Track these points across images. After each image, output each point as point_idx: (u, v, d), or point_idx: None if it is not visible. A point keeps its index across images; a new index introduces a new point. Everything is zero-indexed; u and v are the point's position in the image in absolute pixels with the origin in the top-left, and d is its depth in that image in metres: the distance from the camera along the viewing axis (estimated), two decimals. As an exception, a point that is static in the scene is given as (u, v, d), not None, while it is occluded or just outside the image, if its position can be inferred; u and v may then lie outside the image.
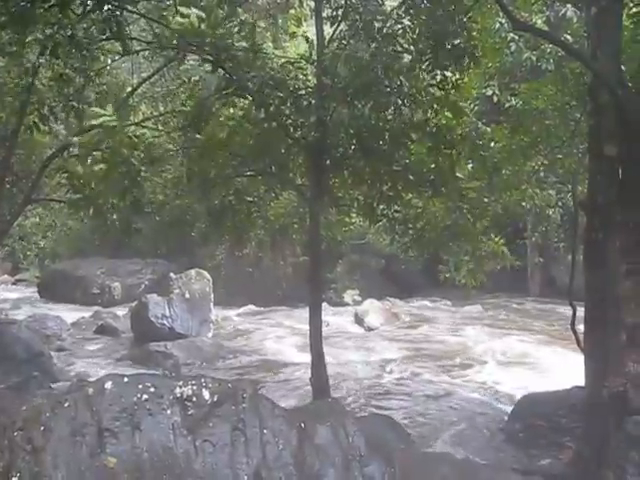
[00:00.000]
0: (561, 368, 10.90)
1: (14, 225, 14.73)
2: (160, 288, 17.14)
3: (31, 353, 11.15)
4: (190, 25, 6.09)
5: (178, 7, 6.30)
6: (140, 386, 4.96)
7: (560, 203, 16.79)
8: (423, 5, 7.10)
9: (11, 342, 11.13)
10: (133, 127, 11.07)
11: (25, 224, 22.89)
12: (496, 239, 9.10)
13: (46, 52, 5.98)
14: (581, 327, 6.70)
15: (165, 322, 15.04)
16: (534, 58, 10.74)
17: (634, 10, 7.71)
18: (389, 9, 7.84)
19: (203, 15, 6.16)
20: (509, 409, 9.01)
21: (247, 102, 7.81)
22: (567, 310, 8.39)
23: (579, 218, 8.03)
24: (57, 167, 11.48)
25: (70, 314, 17.83)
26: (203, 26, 6.16)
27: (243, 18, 6.83)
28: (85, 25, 6.94)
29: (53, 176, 13.36)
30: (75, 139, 7.26)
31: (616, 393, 6.11)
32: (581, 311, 6.71)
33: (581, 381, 6.59)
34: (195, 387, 5.08)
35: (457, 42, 7.01)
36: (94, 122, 6.56)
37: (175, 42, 6.55)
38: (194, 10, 6.13)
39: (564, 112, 9.22)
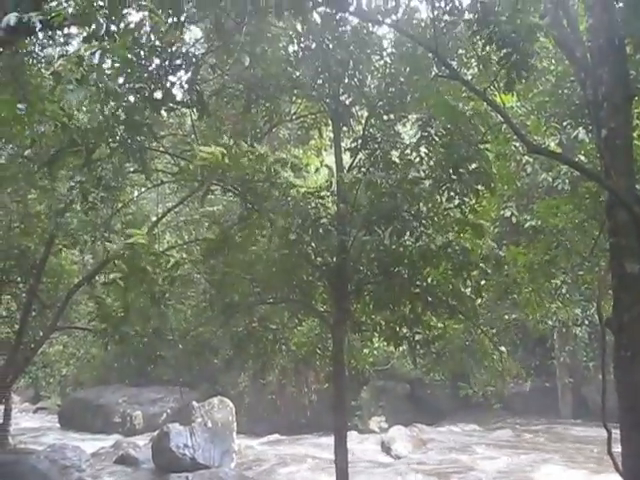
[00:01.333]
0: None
1: (38, 352, 14.78)
2: (182, 417, 16.90)
3: (49, 485, 10.91)
4: (214, 159, 6.33)
5: (200, 145, 6.57)
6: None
7: (586, 321, 16.59)
8: (439, 135, 7.34)
9: (28, 473, 10.94)
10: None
11: (49, 352, 22.95)
12: (505, 356, 8.99)
13: (75, 191, 6.27)
14: (618, 450, 6.43)
15: (187, 452, 14.72)
16: (550, 179, 10.94)
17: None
18: (406, 137, 8.12)
19: (224, 151, 6.43)
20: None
21: (269, 230, 7.97)
22: (602, 432, 8.10)
23: (606, 336, 7.90)
24: (84, 295, 11.67)
25: (90, 444, 17.55)
26: (226, 159, 6.41)
27: (263, 151, 7.09)
28: (112, 160, 7.26)
29: (79, 304, 13.55)
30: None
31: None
32: (617, 433, 6.47)
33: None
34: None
35: (473, 168, 7.18)
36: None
37: (199, 175, 6.80)
38: (215, 148, 6.40)
39: (582, 229, 9.28)
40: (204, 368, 22.34)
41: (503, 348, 9.00)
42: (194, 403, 16.73)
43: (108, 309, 7.55)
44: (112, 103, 5.97)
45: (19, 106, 7.29)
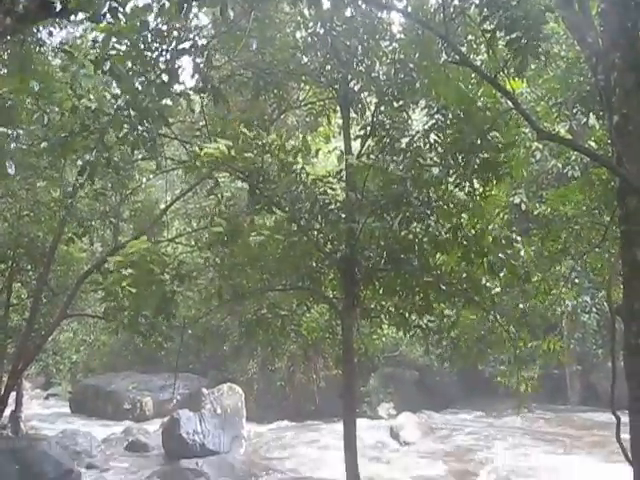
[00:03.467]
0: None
1: (48, 339, 14.87)
2: (192, 403, 16.98)
3: (60, 470, 11.02)
4: (220, 153, 6.33)
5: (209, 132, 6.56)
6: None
7: (595, 309, 16.54)
8: (449, 121, 7.29)
9: (41, 459, 11.03)
10: (166, 243, 11.37)
11: (59, 339, 23.09)
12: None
13: (84, 174, 6.24)
14: (627, 437, 6.43)
15: (196, 438, 14.82)
16: (560, 165, 10.88)
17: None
18: (415, 123, 8.07)
19: (230, 144, 6.42)
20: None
21: (278, 217, 7.96)
22: (610, 419, 8.09)
23: (616, 324, 7.87)
24: (93, 282, 11.71)
25: (101, 430, 17.69)
26: (232, 152, 6.41)
27: (269, 140, 7.07)
28: (121, 147, 7.26)
29: (88, 291, 13.61)
30: (111, 258, 7.45)
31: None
32: (626, 420, 6.46)
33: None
34: (227, 508, 4.93)
35: (483, 155, 7.14)
36: (131, 250, 6.75)
37: (207, 164, 6.79)
38: (222, 140, 6.40)
39: (593, 217, 9.22)
40: (213, 355, 22.51)
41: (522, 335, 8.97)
42: (204, 390, 16.80)
43: (117, 299, 7.56)
44: (122, 88, 5.96)
45: (32, 84, 7.26)
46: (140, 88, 5.81)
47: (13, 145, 7.70)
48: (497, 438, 16.77)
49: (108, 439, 16.78)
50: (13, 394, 14.34)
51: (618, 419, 7.52)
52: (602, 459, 13.07)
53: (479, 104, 7.07)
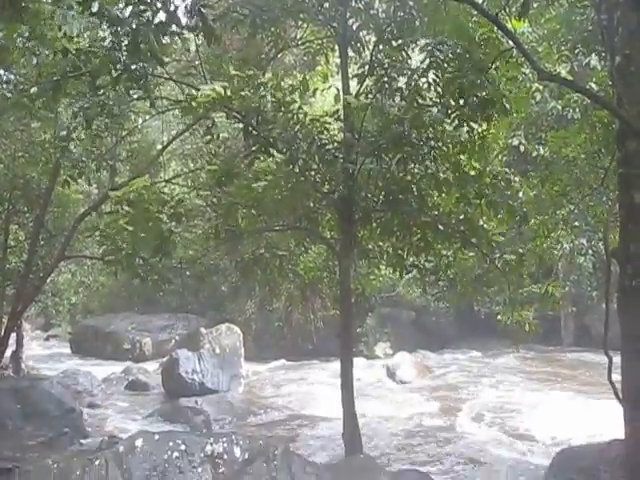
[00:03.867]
0: (600, 420, 10.60)
1: (47, 281, 14.93)
2: (191, 343, 17.15)
3: (62, 409, 11.16)
4: (217, 94, 6.24)
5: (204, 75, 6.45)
6: (171, 443, 4.94)
7: (591, 251, 16.59)
8: (448, 60, 7.17)
9: (43, 398, 11.16)
10: (163, 184, 11.32)
11: (58, 280, 23.21)
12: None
13: (79, 117, 6.17)
14: (618, 377, 6.53)
15: (195, 377, 15.02)
16: (560, 107, 10.76)
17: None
18: (414, 63, 7.95)
19: (227, 85, 6.33)
20: (546, 463, 8.76)
21: (276, 159, 7.92)
22: (603, 360, 8.21)
23: (611, 267, 7.92)
24: (91, 225, 11.70)
25: (101, 369, 17.89)
26: (228, 92, 6.32)
27: (266, 79, 6.97)
28: (116, 88, 7.15)
29: (85, 233, 13.61)
30: (111, 193, 7.41)
31: (658, 446, 5.91)
32: (618, 360, 6.55)
33: (621, 433, 6.40)
34: (226, 444, 5.04)
35: (483, 94, 7.05)
36: (130, 188, 6.72)
37: (203, 105, 6.70)
38: (218, 82, 6.31)
39: (593, 160, 9.18)
40: (212, 295, 22.67)
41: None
42: (202, 330, 16.96)
43: (115, 241, 7.57)
44: (114, 29, 5.83)
45: (22, 29, 7.13)
46: (137, 29, 5.69)
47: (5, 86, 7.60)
48: (488, 376, 17.05)
49: (108, 379, 17.01)
50: (13, 335, 14.47)
51: (610, 359, 7.64)
52: (591, 397, 13.30)
53: (478, 40, 6.94)
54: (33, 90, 6.78)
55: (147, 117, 13.27)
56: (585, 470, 7.69)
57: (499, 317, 9.74)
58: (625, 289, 6.23)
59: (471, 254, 8.86)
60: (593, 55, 9.21)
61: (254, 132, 7.30)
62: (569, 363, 18.99)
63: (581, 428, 10.78)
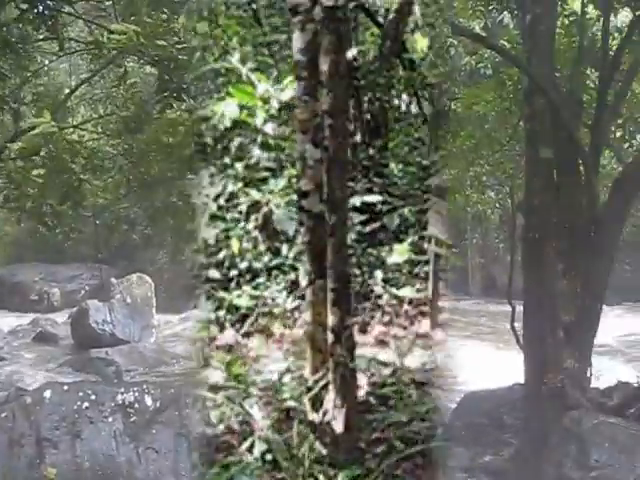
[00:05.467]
0: (502, 366, 11.08)
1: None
2: (101, 293, 16.86)
3: (-36, 363, 10.85)
4: (128, 39, 6.00)
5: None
6: (80, 394, 4.88)
7: (498, 205, 17.12)
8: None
9: (-56, 351, 10.82)
10: (72, 130, 10.90)
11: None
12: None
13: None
14: (520, 325, 6.84)
15: (106, 328, 14.81)
16: (473, 63, 10.92)
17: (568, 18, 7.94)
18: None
19: (139, 29, 6.09)
20: (452, 406, 9.10)
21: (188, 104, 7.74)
22: (507, 309, 8.54)
23: (517, 220, 8.20)
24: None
25: (7, 321, 17.36)
26: (141, 38, 6.09)
27: (180, 24, 6.74)
28: (20, 24, 6.78)
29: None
30: (12, 145, 7.07)
31: (554, 389, 6.27)
32: (520, 310, 6.85)
33: (522, 378, 6.73)
34: (137, 393, 5.02)
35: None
36: (34, 132, 6.40)
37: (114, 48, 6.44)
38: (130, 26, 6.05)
39: (504, 117, 9.39)
40: (123, 245, 22.20)
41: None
42: (113, 280, 16.67)
43: (21, 187, 7.27)
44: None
45: None
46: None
47: None
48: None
49: (15, 331, 16.54)
50: None
51: (513, 308, 7.98)
52: (492, 345, 13.85)
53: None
54: None
55: (54, 59, 12.68)
56: (488, 413, 8.07)
57: None
58: (529, 240, 6.50)
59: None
60: (506, 12, 9.36)
61: (167, 77, 7.08)
62: (476, 313, 19.66)
63: (485, 374, 11.25)
